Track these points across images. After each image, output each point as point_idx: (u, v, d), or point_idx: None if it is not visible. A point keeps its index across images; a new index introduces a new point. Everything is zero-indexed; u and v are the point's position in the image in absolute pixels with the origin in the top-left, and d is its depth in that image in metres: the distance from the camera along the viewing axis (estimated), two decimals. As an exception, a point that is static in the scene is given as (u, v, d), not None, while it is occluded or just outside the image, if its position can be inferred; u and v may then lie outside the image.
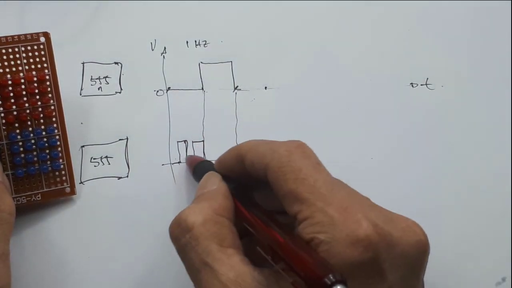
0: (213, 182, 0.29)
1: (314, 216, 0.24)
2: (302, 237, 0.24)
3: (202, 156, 0.37)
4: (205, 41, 0.39)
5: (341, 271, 0.21)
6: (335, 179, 0.27)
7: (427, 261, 0.25)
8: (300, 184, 0.25)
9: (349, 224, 0.23)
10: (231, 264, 0.25)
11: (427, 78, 0.40)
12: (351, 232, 0.23)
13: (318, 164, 0.27)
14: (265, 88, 0.38)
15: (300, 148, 0.27)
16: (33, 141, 0.33)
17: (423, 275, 0.26)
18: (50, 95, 0.33)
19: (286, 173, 0.25)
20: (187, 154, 0.37)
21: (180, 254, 0.26)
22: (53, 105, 0.33)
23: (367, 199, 0.26)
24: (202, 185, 0.30)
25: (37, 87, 0.32)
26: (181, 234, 0.26)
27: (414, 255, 0.25)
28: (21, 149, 0.32)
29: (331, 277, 0.21)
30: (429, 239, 0.25)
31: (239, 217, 0.28)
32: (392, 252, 0.24)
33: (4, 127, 0.32)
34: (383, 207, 0.26)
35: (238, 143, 0.37)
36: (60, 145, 0.33)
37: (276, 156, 0.26)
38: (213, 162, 0.32)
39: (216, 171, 0.31)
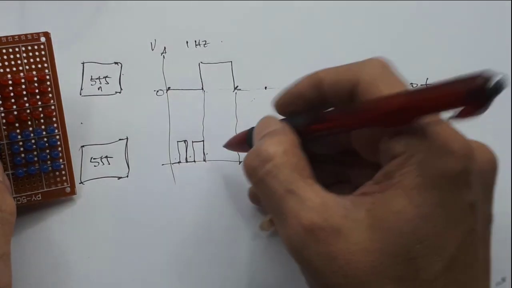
0: (274, 121, 0.29)
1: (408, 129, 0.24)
2: (393, 150, 0.24)
3: (203, 155, 0.37)
4: (205, 41, 0.39)
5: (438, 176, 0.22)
6: None
7: (496, 180, 0.27)
8: (398, 86, 0.25)
9: (444, 134, 0.23)
10: (315, 191, 0.25)
11: (427, 78, 0.40)
12: (444, 144, 0.23)
13: (403, 81, 0.26)
14: (265, 88, 0.38)
15: (384, 64, 0.27)
16: (33, 141, 0.33)
17: (493, 192, 0.27)
18: (50, 95, 0.33)
19: (381, 85, 0.25)
20: (225, 143, 0.35)
21: (259, 185, 0.26)
22: (53, 105, 0.33)
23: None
24: (263, 125, 0.29)
25: (38, 87, 0.32)
26: (261, 165, 0.26)
27: (489, 171, 0.26)
28: (22, 149, 0.32)
29: (483, 76, 0.20)
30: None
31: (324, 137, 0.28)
32: (475, 166, 0.24)
33: (4, 127, 0.32)
34: None
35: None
36: (60, 145, 0.33)
37: (367, 69, 0.26)
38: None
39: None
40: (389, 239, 0.23)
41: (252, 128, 0.31)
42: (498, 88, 0.20)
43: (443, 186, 0.23)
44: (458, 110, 0.21)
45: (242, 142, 0.33)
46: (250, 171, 0.27)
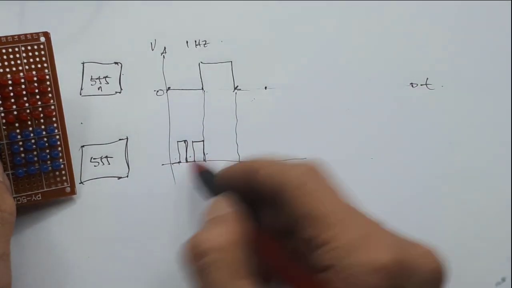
0: (225, 205, 0.28)
1: (334, 240, 0.23)
2: (319, 263, 0.23)
3: (202, 156, 0.37)
4: (205, 41, 0.39)
5: None
6: (350, 203, 0.26)
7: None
8: (319, 207, 0.24)
9: (370, 250, 0.23)
10: None
11: (427, 78, 0.40)
12: (372, 259, 0.22)
13: (335, 187, 0.26)
14: (265, 88, 0.38)
15: (316, 169, 0.26)
16: (33, 140, 0.33)
17: None
18: (50, 95, 0.33)
19: (303, 195, 0.25)
20: (192, 161, 0.36)
21: (194, 278, 0.26)
22: (53, 105, 0.33)
23: (382, 223, 0.25)
24: (213, 208, 0.28)
25: (37, 87, 0.32)
26: (195, 259, 0.25)
27: (432, 283, 0.24)
28: (22, 148, 0.32)
29: None
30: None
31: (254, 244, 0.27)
32: (411, 280, 0.23)
33: (4, 127, 0.32)
34: (389, 225, 0.25)
35: (238, 143, 0.37)
36: (60, 145, 0.33)
37: (293, 176, 0.26)
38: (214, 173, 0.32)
39: (215, 184, 0.31)
40: None
41: (205, 172, 0.33)
42: None
43: None
44: None
45: (194, 173, 0.34)
46: (187, 261, 0.26)
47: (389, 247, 0.23)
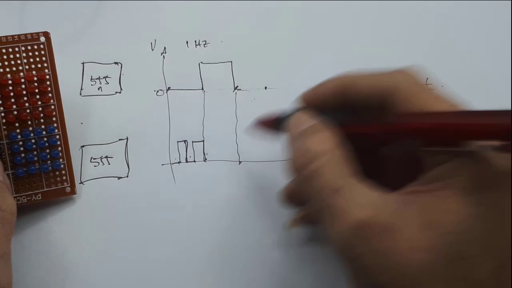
0: (309, 118, 0.28)
1: None
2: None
3: (203, 155, 0.37)
4: (205, 41, 0.39)
5: None
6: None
7: None
8: (434, 104, 0.25)
9: None
10: (364, 188, 0.24)
11: (427, 78, 0.40)
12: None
13: (440, 96, 0.26)
14: (265, 88, 0.38)
15: (418, 77, 0.27)
16: (33, 140, 0.33)
17: None
18: (50, 95, 0.33)
19: (421, 98, 0.25)
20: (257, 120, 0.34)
21: (307, 183, 0.26)
22: (53, 104, 0.33)
23: None
24: (299, 120, 0.28)
25: (37, 87, 0.32)
26: (308, 162, 0.26)
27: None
28: (22, 148, 0.32)
29: None
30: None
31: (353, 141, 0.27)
32: None
33: (4, 127, 0.32)
34: None
35: (238, 143, 0.37)
36: (60, 145, 0.33)
37: (402, 84, 0.26)
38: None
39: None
40: (441, 238, 0.22)
41: (283, 115, 0.31)
42: None
43: (496, 187, 0.23)
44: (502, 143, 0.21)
45: (270, 125, 0.32)
46: (298, 168, 0.26)
47: None
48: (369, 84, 0.27)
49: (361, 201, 0.24)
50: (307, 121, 0.28)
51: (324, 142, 0.26)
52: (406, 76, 0.27)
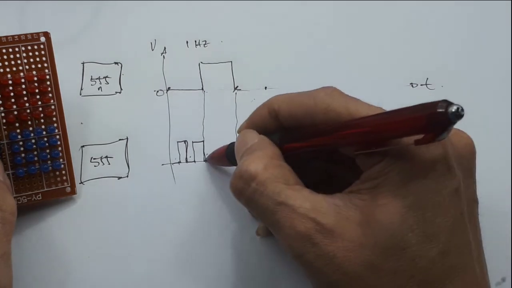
0: (252, 136, 0.29)
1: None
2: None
3: (203, 155, 0.37)
4: (205, 41, 0.39)
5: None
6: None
7: (475, 164, 0.27)
8: (355, 115, 0.25)
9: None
10: (304, 197, 0.25)
11: (427, 78, 0.40)
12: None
13: (357, 99, 0.27)
14: (265, 88, 0.38)
15: (337, 90, 0.28)
16: (33, 140, 0.33)
17: (475, 175, 0.27)
18: (50, 95, 0.33)
19: (335, 109, 0.26)
20: (207, 156, 0.37)
21: (249, 204, 0.27)
22: (54, 104, 0.33)
23: None
24: (241, 142, 0.29)
25: (38, 87, 0.32)
26: (246, 185, 0.26)
27: (467, 155, 0.26)
28: (22, 148, 0.32)
29: (441, 104, 0.20)
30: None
31: (296, 155, 0.28)
32: (454, 152, 0.24)
33: (4, 127, 0.32)
34: None
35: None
36: (60, 145, 0.33)
37: (319, 99, 0.27)
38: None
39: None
40: (380, 233, 0.23)
41: (232, 143, 0.32)
42: (457, 115, 0.20)
43: (425, 175, 0.23)
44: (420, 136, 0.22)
45: (222, 156, 0.34)
46: (237, 193, 0.27)
47: None
48: (291, 107, 0.28)
49: (302, 211, 0.25)
50: (247, 141, 0.29)
51: (259, 161, 0.27)
52: (322, 91, 0.28)
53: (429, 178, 0.23)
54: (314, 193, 0.26)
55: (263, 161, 0.27)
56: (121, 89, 0.37)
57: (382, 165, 0.24)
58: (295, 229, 0.25)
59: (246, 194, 0.26)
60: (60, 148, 0.33)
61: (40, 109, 0.33)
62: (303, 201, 0.25)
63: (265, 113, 0.30)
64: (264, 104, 0.30)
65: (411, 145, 0.22)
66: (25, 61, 0.32)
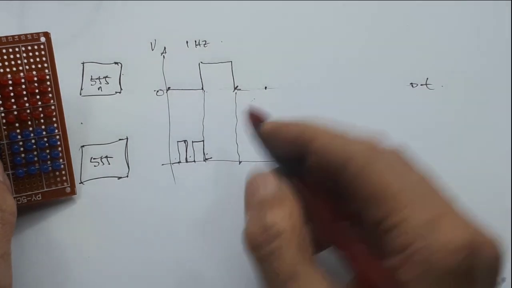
0: (273, 182, 0.26)
1: (409, 220, 0.22)
2: (392, 246, 0.22)
3: (203, 155, 0.37)
4: (205, 41, 0.39)
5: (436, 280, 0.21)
6: (426, 177, 0.24)
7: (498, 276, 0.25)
8: (390, 185, 0.23)
9: (448, 230, 0.21)
10: (319, 279, 0.23)
11: (427, 78, 0.40)
12: (451, 239, 0.21)
13: (406, 162, 0.24)
14: (265, 88, 0.38)
15: (380, 145, 0.25)
16: (33, 140, 0.33)
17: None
18: (50, 95, 0.33)
19: (372, 173, 0.23)
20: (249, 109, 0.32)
21: (261, 264, 0.24)
22: (53, 105, 0.33)
23: (453, 201, 0.24)
24: (260, 184, 0.26)
25: (38, 87, 0.32)
26: (267, 241, 0.23)
27: (493, 270, 0.23)
28: (22, 149, 0.32)
29: None
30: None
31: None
32: (481, 263, 0.22)
33: (4, 127, 0.32)
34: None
35: (238, 143, 0.37)
36: (60, 145, 0.33)
37: (358, 153, 0.24)
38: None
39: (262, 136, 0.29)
40: None
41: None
42: None
43: (449, 285, 0.21)
44: None
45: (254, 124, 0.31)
46: (254, 246, 0.24)
47: (465, 228, 0.22)
48: (323, 148, 0.25)
49: None
50: (267, 185, 0.26)
51: (288, 218, 0.24)
52: (365, 147, 0.25)
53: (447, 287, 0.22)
54: (325, 278, 0.23)
55: (291, 220, 0.24)
56: (121, 89, 0.37)
57: (403, 257, 0.22)
58: None
59: (263, 251, 0.24)
60: (60, 148, 0.33)
61: (40, 109, 0.33)
62: (317, 283, 0.23)
63: (293, 137, 0.27)
64: (298, 125, 0.27)
65: None
66: (25, 61, 0.32)
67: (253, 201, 0.26)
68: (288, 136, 0.27)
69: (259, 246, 0.24)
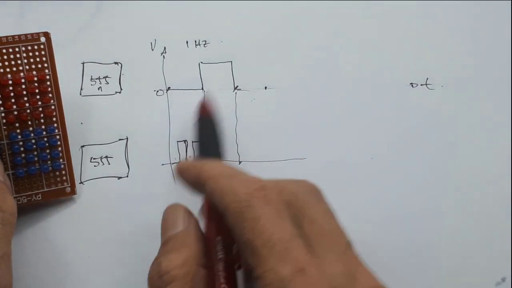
0: (182, 219, 0.28)
1: (266, 276, 0.22)
2: None
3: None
4: (205, 41, 0.39)
5: None
6: (294, 232, 0.24)
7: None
8: (257, 236, 0.23)
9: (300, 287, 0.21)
10: None
11: (427, 78, 0.40)
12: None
13: (279, 213, 0.24)
14: (265, 88, 0.38)
15: (262, 191, 0.24)
16: (33, 140, 0.33)
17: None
18: (50, 95, 0.33)
19: (244, 221, 0.23)
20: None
21: None
22: (54, 105, 0.33)
23: (344, 243, 0.24)
24: (169, 223, 0.28)
25: (38, 87, 0.32)
26: (160, 286, 0.25)
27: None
28: (22, 148, 0.32)
29: None
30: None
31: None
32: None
33: (4, 127, 0.32)
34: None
35: (238, 143, 0.37)
36: (60, 145, 0.33)
37: (236, 199, 0.24)
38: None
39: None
40: None
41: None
42: None
43: None
44: None
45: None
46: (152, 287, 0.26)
47: (322, 284, 0.22)
48: (213, 190, 0.26)
49: None
50: (175, 222, 0.28)
51: (181, 266, 0.25)
52: (248, 190, 0.24)
53: None
54: None
55: (185, 267, 0.25)
56: (121, 89, 0.37)
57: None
58: None
59: None
60: (60, 148, 0.33)
61: (40, 109, 0.33)
62: None
63: (194, 176, 0.28)
64: (199, 165, 0.28)
65: None
66: (25, 61, 0.32)
67: (162, 239, 0.28)
68: (189, 178, 0.28)
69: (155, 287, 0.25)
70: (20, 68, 0.32)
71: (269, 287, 0.22)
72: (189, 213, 0.28)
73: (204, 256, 0.26)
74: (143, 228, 0.35)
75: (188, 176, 0.28)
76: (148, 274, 0.26)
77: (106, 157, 0.36)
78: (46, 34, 0.33)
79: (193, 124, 0.34)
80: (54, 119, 0.33)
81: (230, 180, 0.25)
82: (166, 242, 0.27)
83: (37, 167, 0.33)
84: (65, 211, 0.34)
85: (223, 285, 0.25)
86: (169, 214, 0.29)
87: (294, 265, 0.22)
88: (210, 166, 0.27)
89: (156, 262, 0.26)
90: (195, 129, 0.34)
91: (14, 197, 0.32)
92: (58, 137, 0.33)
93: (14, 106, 0.32)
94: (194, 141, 0.35)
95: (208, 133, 0.34)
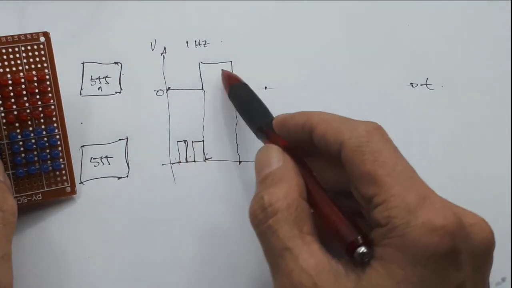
0: (277, 157, 0.28)
1: (391, 200, 0.23)
2: (376, 221, 0.24)
3: (203, 155, 0.37)
4: (205, 41, 0.39)
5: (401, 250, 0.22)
6: (412, 168, 0.26)
7: (492, 261, 0.26)
8: (379, 166, 0.24)
9: (427, 212, 0.23)
10: (311, 251, 0.25)
11: (427, 78, 0.40)
12: (428, 219, 0.23)
13: (397, 150, 0.26)
14: (265, 88, 0.38)
15: (379, 130, 0.26)
16: (33, 140, 0.33)
17: (489, 275, 0.26)
18: (50, 95, 0.33)
19: (365, 154, 0.25)
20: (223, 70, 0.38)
21: (261, 238, 0.27)
22: (53, 104, 0.33)
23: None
24: (265, 161, 0.29)
25: (37, 87, 0.32)
26: (264, 219, 0.26)
27: (483, 252, 0.25)
28: (22, 148, 0.32)
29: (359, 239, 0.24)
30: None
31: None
32: (467, 246, 0.23)
33: (4, 127, 0.32)
34: None
35: (238, 143, 0.37)
36: (60, 145, 0.33)
37: (355, 134, 0.26)
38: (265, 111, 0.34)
39: (266, 130, 0.32)
40: None
41: (238, 85, 0.35)
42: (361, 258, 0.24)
43: (426, 264, 0.23)
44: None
45: (226, 86, 0.36)
46: (255, 222, 0.27)
47: (447, 210, 0.23)
48: (327, 130, 0.27)
49: (304, 265, 0.24)
50: (272, 161, 0.28)
51: (283, 197, 0.26)
52: (362, 129, 0.26)
53: (430, 269, 0.23)
54: (323, 251, 0.25)
55: (288, 199, 0.26)
56: (121, 89, 0.37)
57: (383, 231, 0.24)
58: (292, 280, 0.24)
59: (262, 227, 0.26)
60: (60, 148, 0.33)
61: (40, 109, 0.33)
62: (309, 256, 0.24)
63: (301, 124, 0.29)
64: (304, 113, 0.29)
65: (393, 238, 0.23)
66: (25, 61, 0.32)
67: (259, 178, 0.28)
68: (296, 125, 0.29)
69: (259, 223, 0.26)
70: (20, 68, 0.32)
71: (395, 209, 0.23)
72: (282, 151, 0.29)
73: (304, 189, 0.27)
74: (143, 228, 0.35)
75: (296, 123, 0.29)
76: (249, 210, 0.27)
77: (106, 157, 0.36)
78: (46, 34, 0.33)
79: (228, 96, 0.36)
80: (54, 119, 0.33)
81: (344, 121, 0.27)
82: (264, 180, 0.28)
83: (37, 167, 0.33)
84: (65, 211, 0.34)
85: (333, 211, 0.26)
86: (262, 154, 0.29)
87: (419, 193, 0.24)
88: (319, 112, 0.29)
89: (258, 197, 0.27)
90: (232, 99, 0.36)
91: (14, 197, 0.32)
92: (58, 137, 0.33)
93: (14, 106, 0.32)
94: (237, 110, 0.36)
95: (248, 97, 0.35)
